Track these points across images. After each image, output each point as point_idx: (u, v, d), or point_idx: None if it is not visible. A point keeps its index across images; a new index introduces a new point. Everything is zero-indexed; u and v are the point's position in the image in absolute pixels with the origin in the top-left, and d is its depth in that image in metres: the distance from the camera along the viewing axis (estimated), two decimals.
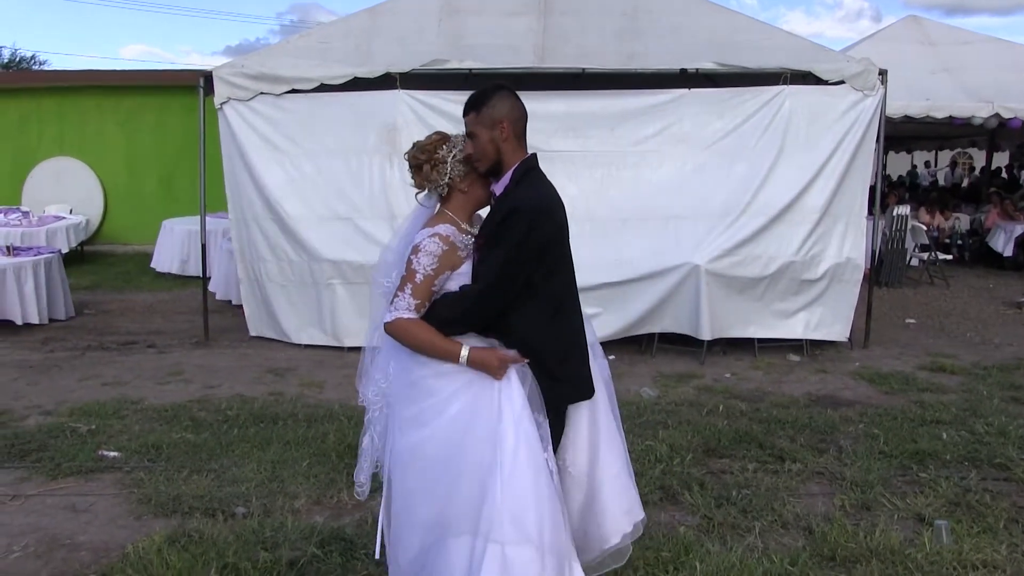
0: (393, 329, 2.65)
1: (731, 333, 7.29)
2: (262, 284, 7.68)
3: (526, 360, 2.67)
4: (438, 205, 2.83)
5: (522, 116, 2.79)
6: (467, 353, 2.61)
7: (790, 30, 16.41)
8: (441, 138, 2.80)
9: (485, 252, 2.69)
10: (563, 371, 2.75)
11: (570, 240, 2.86)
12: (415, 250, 2.67)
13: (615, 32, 7.76)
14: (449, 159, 2.76)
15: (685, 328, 7.19)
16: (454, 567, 2.56)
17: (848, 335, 7.55)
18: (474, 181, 2.78)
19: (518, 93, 2.83)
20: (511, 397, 2.61)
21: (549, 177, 2.88)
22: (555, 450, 2.75)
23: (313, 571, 3.51)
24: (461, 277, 2.71)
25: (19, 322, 8.15)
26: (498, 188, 2.78)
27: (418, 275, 2.64)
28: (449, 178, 2.76)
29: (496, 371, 2.62)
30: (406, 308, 2.63)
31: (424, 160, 2.76)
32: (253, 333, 7.85)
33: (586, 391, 2.83)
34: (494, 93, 2.75)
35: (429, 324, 2.65)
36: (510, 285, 2.64)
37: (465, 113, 2.77)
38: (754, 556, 3.62)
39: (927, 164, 25.14)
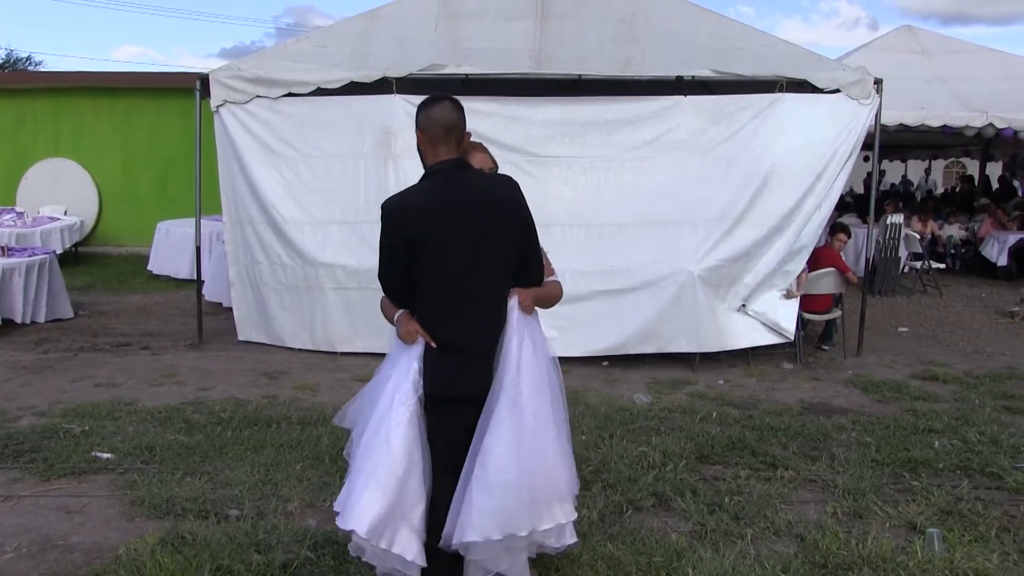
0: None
1: (734, 344, 7.23)
2: (256, 287, 7.67)
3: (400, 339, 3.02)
4: None
5: (436, 124, 2.91)
6: (395, 317, 3.08)
7: (787, 38, 16.54)
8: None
9: None
10: (427, 364, 2.98)
11: (491, 246, 2.92)
12: None
13: (612, 38, 7.76)
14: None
15: (683, 346, 7.08)
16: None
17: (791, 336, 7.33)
18: None
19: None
20: (400, 361, 3.03)
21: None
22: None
23: (306, 574, 3.51)
24: None
25: (18, 320, 8.13)
26: None
27: None
28: None
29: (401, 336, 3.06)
30: None
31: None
32: (242, 338, 7.80)
33: (437, 389, 2.95)
34: (421, 106, 2.97)
35: None
36: (384, 273, 3.01)
37: None
38: (746, 563, 3.63)
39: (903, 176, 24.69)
